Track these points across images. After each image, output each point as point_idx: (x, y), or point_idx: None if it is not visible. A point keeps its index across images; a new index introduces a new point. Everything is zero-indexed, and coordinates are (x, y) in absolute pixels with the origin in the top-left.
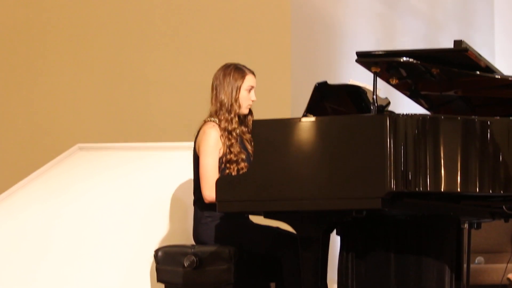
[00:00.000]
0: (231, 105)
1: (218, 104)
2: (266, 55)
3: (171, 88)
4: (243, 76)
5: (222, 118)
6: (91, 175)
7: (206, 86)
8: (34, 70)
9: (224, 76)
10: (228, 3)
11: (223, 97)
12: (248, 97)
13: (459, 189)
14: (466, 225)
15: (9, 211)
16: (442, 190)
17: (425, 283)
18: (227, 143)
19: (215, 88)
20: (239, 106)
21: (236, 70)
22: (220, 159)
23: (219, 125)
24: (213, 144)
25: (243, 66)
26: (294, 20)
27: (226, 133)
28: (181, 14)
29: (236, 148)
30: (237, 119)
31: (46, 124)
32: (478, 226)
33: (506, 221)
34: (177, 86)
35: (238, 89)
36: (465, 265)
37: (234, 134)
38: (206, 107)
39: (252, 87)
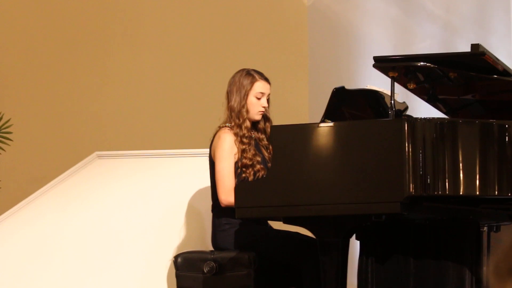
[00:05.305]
0: (239, 111)
1: (229, 110)
2: (284, 61)
3: (187, 95)
4: (252, 82)
5: (233, 124)
6: (109, 183)
7: (222, 93)
8: (53, 78)
9: (234, 82)
10: (244, 9)
11: (233, 103)
12: (258, 103)
13: (478, 192)
14: (485, 228)
15: (27, 219)
16: (461, 193)
17: (445, 287)
18: (241, 147)
19: (227, 94)
20: (247, 112)
21: (245, 76)
22: (236, 163)
23: (232, 130)
24: (228, 148)
25: (255, 72)
26: (311, 26)
27: (239, 138)
28: (198, 22)
29: (250, 152)
30: (247, 124)
31: (64, 132)
32: (498, 229)
33: None
34: (193, 93)
35: (246, 94)
36: (485, 268)
37: (245, 139)
38: (222, 113)
39: (263, 93)
